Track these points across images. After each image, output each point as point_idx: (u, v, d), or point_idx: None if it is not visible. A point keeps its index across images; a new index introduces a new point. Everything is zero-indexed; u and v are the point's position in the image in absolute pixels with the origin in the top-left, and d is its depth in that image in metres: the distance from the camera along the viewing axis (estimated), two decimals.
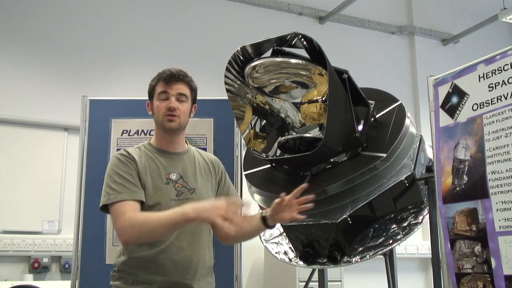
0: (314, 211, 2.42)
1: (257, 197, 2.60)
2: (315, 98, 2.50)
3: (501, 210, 2.11)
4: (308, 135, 2.53)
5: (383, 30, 6.42)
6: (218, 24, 5.56)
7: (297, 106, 2.62)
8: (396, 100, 2.58)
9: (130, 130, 3.01)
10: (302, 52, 2.36)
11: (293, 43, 2.32)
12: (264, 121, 2.63)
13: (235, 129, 3.02)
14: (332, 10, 5.97)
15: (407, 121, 2.47)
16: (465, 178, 2.27)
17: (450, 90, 2.44)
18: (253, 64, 2.38)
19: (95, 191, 2.91)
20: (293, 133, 2.61)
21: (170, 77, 2.04)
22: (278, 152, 2.58)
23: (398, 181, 2.45)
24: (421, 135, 2.77)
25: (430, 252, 2.57)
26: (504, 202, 2.11)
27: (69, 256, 3.87)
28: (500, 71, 2.24)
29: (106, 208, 1.94)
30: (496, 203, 2.13)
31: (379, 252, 2.45)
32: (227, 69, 2.42)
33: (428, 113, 2.53)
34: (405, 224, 2.51)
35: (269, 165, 2.61)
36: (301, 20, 6.01)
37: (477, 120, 2.27)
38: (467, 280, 2.23)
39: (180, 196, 2.00)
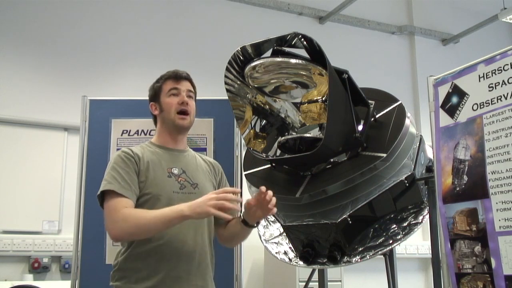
0: (314, 211, 2.43)
1: None
2: (315, 98, 2.50)
3: (501, 210, 2.11)
4: (308, 135, 2.53)
5: (383, 30, 6.42)
6: (218, 24, 5.56)
7: (297, 106, 2.62)
8: (396, 100, 2.58)
9: (130, 130, 3.01)
10: (302, 52, 2.36)
11: (293, 43, 2.32)
12: (264, 121, 2.63)
13: (235, 129, 3.02)
14: (332, 10, 5.97)
15: (407, 121, 2.47)
16: (465, 178, 2.27)
17: (450, 90, 2.44)
18: (253, 64, 2.38)
19: (95, 191, 2.89)
20: (293, 133, 2.61)
21: (179, 75, 2.10)
22: (278, 152, 2.58)
23: (398, 181, 2.45)
24: (421, 135, 2.77)
25: (430, 252, 2.57)
26: (504, 202, 2.11)
27: (69, 256, 3.87)
28: (500, 71, 2.23)
29: (101, 200, 1.96)
30: (496, 203, 2.13)
31: (379, 252, 2.45)
32: (227, 69, 2.42)
33: (428, 113, 2.52)
34: (405, 224, 2.51)
35: (269, 165, 2.61)
36: (301, 20, 6.01)
37: (477, 120, 2.27)
38: (467, 280, 2.23)
39: (183, 189, 2.01)
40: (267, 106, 2.61)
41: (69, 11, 5.02)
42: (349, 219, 2.38)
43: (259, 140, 2.59)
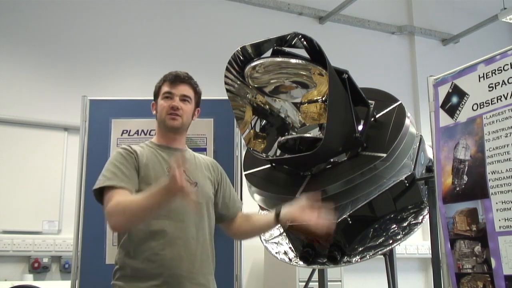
0: None
1: (257, 197, 2.60)
2: (315, 98, 2.50)
3: (501, 210, 2.11)
4: (308, 135, 2.53)
5: (383, 30, 6.42)
6: (218, 24, 5.56)
7: (297, 106, 2.62)
8: (396, 100, 2.58)
9: (130, 130, 3.01)
10: (302, 52, 2.36)
11: (293, 43, 2.32)
12: (264, 121, 2.63)
13: (235, 129, 3.02)
14: (332, 10, 5.97)
15: (407, 121, 2.47)
16: (465, 178, 2.27)
17: (450, 90, 2.44)
18: (253, 64, 2.38)
19: None
20: (293, 133, 2.61)
21: (175, 78, 2.09)
22: (278, 152, 2.58)
23: (398, 181, 2.45)
24: (421, 135, 2.77)
25: (430, 252, 2.57)
26: (504, 202, 2.11)
27: (69, 256, 3.86)
28: (500, 71, 2.24)
29: (98, 196, 1.97)
30: (496, 203, 2.13)
31: (379, 252, 2.45)
32: (227, 69, 2.42)
33: (428, 113, 2.53)
34: (405, 224, 2.51)
35: (269, 165, 2.61)
36: (301, 20, 6.00)
37: (477, 120, 2.27)
38: (467, 280, 2.23)
39: None
40: (267, 106, 2.61)
41: (69, 11, 5.02)
42: (349, 219, 2.38)
43: (259, 140, 2.60)
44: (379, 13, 6.41)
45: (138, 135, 2.99)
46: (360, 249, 2.48)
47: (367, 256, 2.45)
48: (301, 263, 2.60)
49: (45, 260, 4.40)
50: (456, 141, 2.34)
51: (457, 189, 2.29)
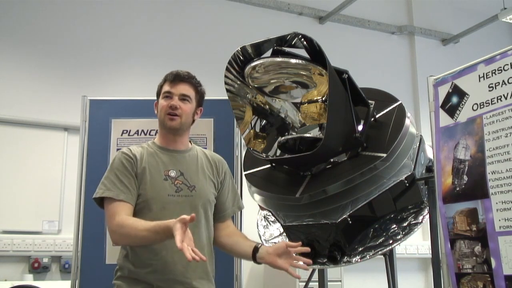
0: (314, 211, 2.43)
1: (257, 197, 2.60)
2: (315, 98, 2.50)
3: (501, 210, 2.11)
4: (308, 135, 2.53)
5: (383, 30, 6.42)
6: (218, 24, 5.56)
7: (297, 106, 2.62)
8: (396, 100, 2.58)
9: (130, 130, 3.01)
10: (302, 52, 2.36)
11: (293, 43, 2.32)
12: (264, 121, 2.63)
13: (235, 129, 3.02)
14: (332, 10, 5.96)
15: (407, 121, 2.47)
16: (465, 178, 2.27)
17: (450, 90, 2.44)
18: (253, 64, 2.38)
19: (95, 191, 2.93)
20: (293, 133, 2.61)
21: (175, 78, 2.08)
22: (278, 152, 2.58)
23: (398, 181, 2.45)
24: (421, 135, 2.77)
25: (430, 252, 2.57)
26: (504, 202, 2.11)
27: (69, 256, 3.86)
28: (500, 71, 2.23)
29: (98, 201, 2.01)
30: (496, 203, 2.13)
31: (379, 252, 2.45)
32: (227, 69, 2.42)
33: (428, 113, 2.53)
34: (405, 224, 2.51)
35: (269, 165, 2.61)
36: (301, 20, 6.00)
37: (477, 120, 2.27)
38: (467, 280, 2.23)
39: (180, 192, 2.01)
40: (267, 106, 2.61)
41: (69, 11, 5.01)
42: (349, 219, 2.38)
43: (259, 140, 2.59)
44: (379, 13, 6.41)
45: (138, 135, 2.99)
46: (360, 249, 2.48)
47: (367, 256, 2.45)
48: (301, 263, 2.60)
49: (45, 260, 4.40)
50: (456, 141, 2.34)
51: (457, 189, 2.29)
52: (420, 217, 2.53)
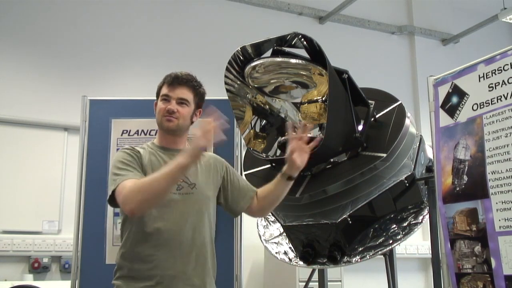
0: (314, 211, 2.43)
1: None
2: (315, 98, 2.50)
3: (501, 210, 2.11)
4: (308, 135, 2.53)
5: (383, 30, 6.42)
6: (218, 24, 5.56)
7: (297, 106, 2.62)
8: (396, 100, 2.58)
9: (130, 130, 3.01)
10: (302, 52, 2.36)
11: (293, 43, 2.32)
12: (264, 121, 2.63)
13: (235, 129, 3.02)
14: (332, 10, 5.97)
15: (407, 121, 2.47)
16: (465, 178, 2.26)
17: (450, 90, 2.44)
18: (253, 64, 2.38)
19: (95, 191, 2.93)
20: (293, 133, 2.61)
21: (173, 81, 2.08)
22: (278, 152, 2.58)
23: (398, 181, 2.45)
24: (421, 135, 2.77)
25: (430, 252, 2.57)
26: (504, 202, 2.11)
27: (69, 256, 3.86)
28: (500, 71, 2.23)
29: (113, 199, 1.95)
30: (496, 203, 2.13)
31: (379, 252, 2.45)
32: (227, 69, 2.42)
33: (428, 113, 2.52)
34: (405, 224, 2.51)
35: (269, 165, 2.61)
36: (301, 20, 6.00)
37: (477, 120, 2.27)
38: (467, 280, 2.23)
39: (181, 190, 2.02)
40: (267, 106, 2.61)
41: (69, 11, 5.01)
42: (349, 219, 2.38)
43: (259, 140, 2.60)
44: (379, 13, 6.41)
45: (138, 135, 2.99)
46: (360, 249, 2.48)
47: (367, 256, 2.45)
48: (301, 263, 2.60)
49: (45, 260, 4.40)
50: (456, 141, 2.34)
51: (457, 189, 2.29)
52: (420, 217, 2.53)
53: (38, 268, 4.36)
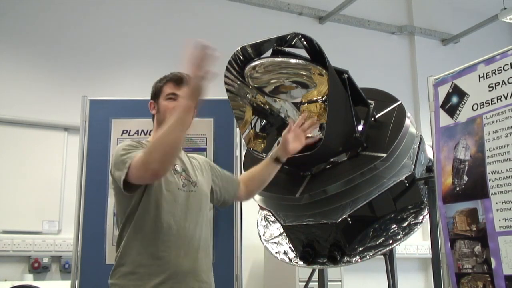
0: (314, 211, 2.43)
1: (257, 197, 2.60)
2: (315, 98, 2.50)
3: (501, 210, 2.11)
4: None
5: (383, 30, 6.42)
6: (218, 24, 5.56)
7: (297, 106, 2.62)
8: (396, 100, 2.58)
9: (130, 130, 3.01)
10: (302, 52, 2.36)
11: (293, 43, 2.32)
12: (264, 121, 2.63)
13: (235, 129, 3.02)
14: (332, 10, 5.97)
15: (407, 121, 2.47)
16: (465, 178, 2.26)
17: (450, 90, 2.44)
18: (253, 64, 2.38)
19: (95, 191, 2.93)
20: None
21: (181, 80, 2.07)
22: None
23: (398, 181, 2.45)
24: (421, 135, 2.77)
25: (430, 252, 2.57)
26: (504, 202, 2.11)
27: (69, 256, 3.86)
28: (500, 71, 2.23)
29: (127, 184, 1.86)
30: (496, 203, 2.13)
31: (379, 252, 2.45)
32: (227, 69, 2.42)
33: (428, 113, 2.52)
34: (405, 224, 2.51)
35: None
36: (301, 20, 6.00)
37: (477, 120, 2.27)
38: (467, 280, 2.22)
39: (185, 187, 2.03)
40: (267, 106, 2.61)
41: (69, 11, 5.02)
42: (349, 219, 2.38)
43: (259, 140, 2.60)
44: (379, 13, 6.41)
45: (138, 135, 2.99)
46: (360, 249, 2.48)
47: (367, 256, 2.45)
48: (301, 263, 2.60)
49: (45, 260, 4.40)
50: (456, 141, 2.34)
51: (457, 189, 2.29)
52: (420, 217, 2.53)
53: (38, 268, 4.36)
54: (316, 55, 2.28)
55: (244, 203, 2.92)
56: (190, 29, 5.44)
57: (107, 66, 5.05)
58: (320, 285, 3.00)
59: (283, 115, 2.65)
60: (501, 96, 2.20)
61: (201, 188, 2.08)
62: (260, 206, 2.71)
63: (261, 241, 2.88)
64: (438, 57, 6.46)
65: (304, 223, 2.46)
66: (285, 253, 2.72)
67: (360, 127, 2.41)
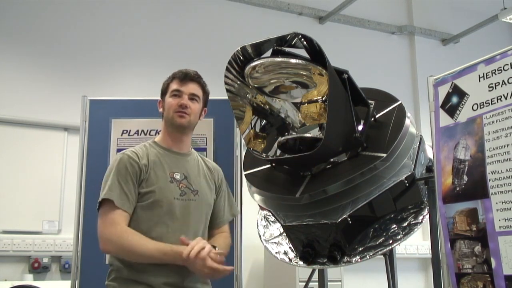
0: (314, 211, 2.43)
1: (257, 197, 2.60)
2: (315, 98, 2.49)
3: (501, 210, 2.11)
4: (308, 135, 2.53)
5: (383, 30, 6.42)
6: (218, 24, 5.56)
7: (297, 106, 2.62)
8: (396, 100, 2.58)
9: (130, 130, 3.01)
10: (302, 52, 2.36)
11: (293, 43, 2.32)
12: (264, 121, 2.63)
13: (235, 129, 3.02)
14: (332, 10, 5.97)
15: (407, 121, 2.47)
16: (465, 178, 2.26)
17: (450, 90, 2.43)
18: (253, 64, 2.38)
19: (95, 191, 2.90)
20: (293, 133, 2.61)
21: (185, 76, 2.08)
22: (278, 152, 2.58)
23: (398, 181, 2.45)
24: (421, 135, 2.76)
25: (430, 252, 2.57)
26: (504, 202, 2.11)
27: (69, 256, 3.87)
28: (500, 71, 2.23)
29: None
30: (496, 203, 2.13)
31: (379, 252, 2.45)
32: (227, 69, 2.41)
33: (428, 113, 2.52)
34: (405, 224, 2.51)
35: (269, 165, 2.61)
36: (301, 20, 6.01)
37: (477, 120, 2.27)
38: (467, 280, 2.22)
39: (183, 196, 2.01)
40: (267, 106, 2.61)
41: (69, 11, 5.02)
42: (349, 219, 2.38)
43: (259, 140, 2.59)
44: (379, 13, 6.41)
45: (138, 135, 2.99)
46: (360, 249, 2.48)
47: (367, 256, 2.44)
48: (301, 263, 2.60)
49: (45, 260, 4.40)
50: (456, 141, 2.34)
51: (457, 189, 2.29)
52: (420, 217, 2.52)
53: (38, 268, 4.36)
54: (316, 55, 2.28)
55: (244, 203, 2.92)
56: (190, 29, 5.44)
57: (107, 66, 5.05)
58: (320, 285, 3.00)
59: (283, 115, 2.64)
60: (501, 96, 2.20)
61: (203, 196, 2.06)
62: (260, 206, 2.70)
63: (261, 241, 2.88)
64: (438, 57, 6.46)
65: (304, 223, 2.45)
66: (285, 253, 2.72)
67: (360, 127, 2.40)
